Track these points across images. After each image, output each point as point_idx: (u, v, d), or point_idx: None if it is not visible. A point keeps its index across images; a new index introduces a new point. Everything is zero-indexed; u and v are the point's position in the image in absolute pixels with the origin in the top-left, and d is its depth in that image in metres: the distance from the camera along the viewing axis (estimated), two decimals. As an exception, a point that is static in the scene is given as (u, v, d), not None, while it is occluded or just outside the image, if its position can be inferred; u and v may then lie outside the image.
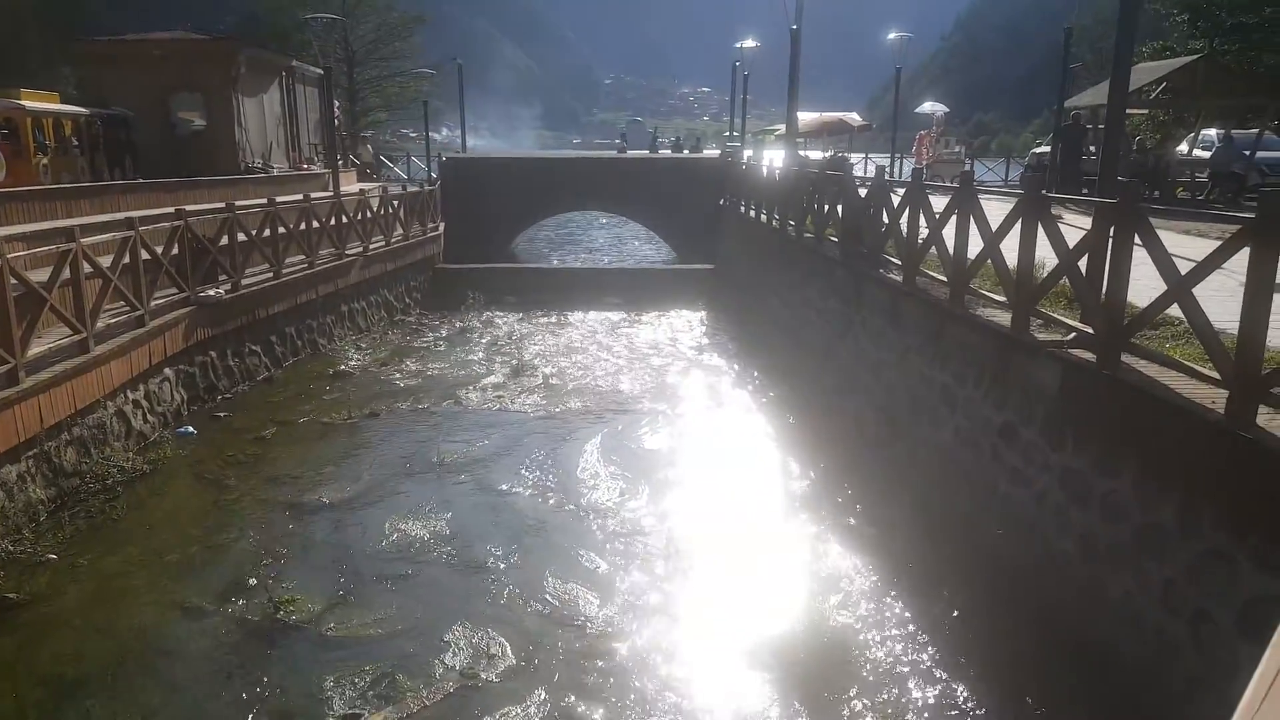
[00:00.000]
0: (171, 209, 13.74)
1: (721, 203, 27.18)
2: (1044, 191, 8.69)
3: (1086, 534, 7.03)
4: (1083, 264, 7.80)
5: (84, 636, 7.37)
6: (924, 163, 30.86)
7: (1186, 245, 9.67)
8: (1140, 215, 6.81)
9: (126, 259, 11.50)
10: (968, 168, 31.65)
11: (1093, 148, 21.01)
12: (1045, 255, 8.22)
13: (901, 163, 34.60)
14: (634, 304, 22.76)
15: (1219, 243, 6.15)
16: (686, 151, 36.48)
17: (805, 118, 29.70)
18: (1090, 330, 7.54)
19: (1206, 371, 6.10)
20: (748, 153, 31.38)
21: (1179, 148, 23.60)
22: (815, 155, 30.38)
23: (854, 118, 31.57)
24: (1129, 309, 7.25)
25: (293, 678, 6.83)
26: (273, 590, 8.06)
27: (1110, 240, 7.20)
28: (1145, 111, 24.15)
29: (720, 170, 28.86)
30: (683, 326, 21.05)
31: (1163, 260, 6.49)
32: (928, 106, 34.53)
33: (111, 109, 20.59)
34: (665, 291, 23.67)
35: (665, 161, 33.11)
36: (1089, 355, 7.44)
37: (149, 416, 12.02)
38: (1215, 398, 5.92)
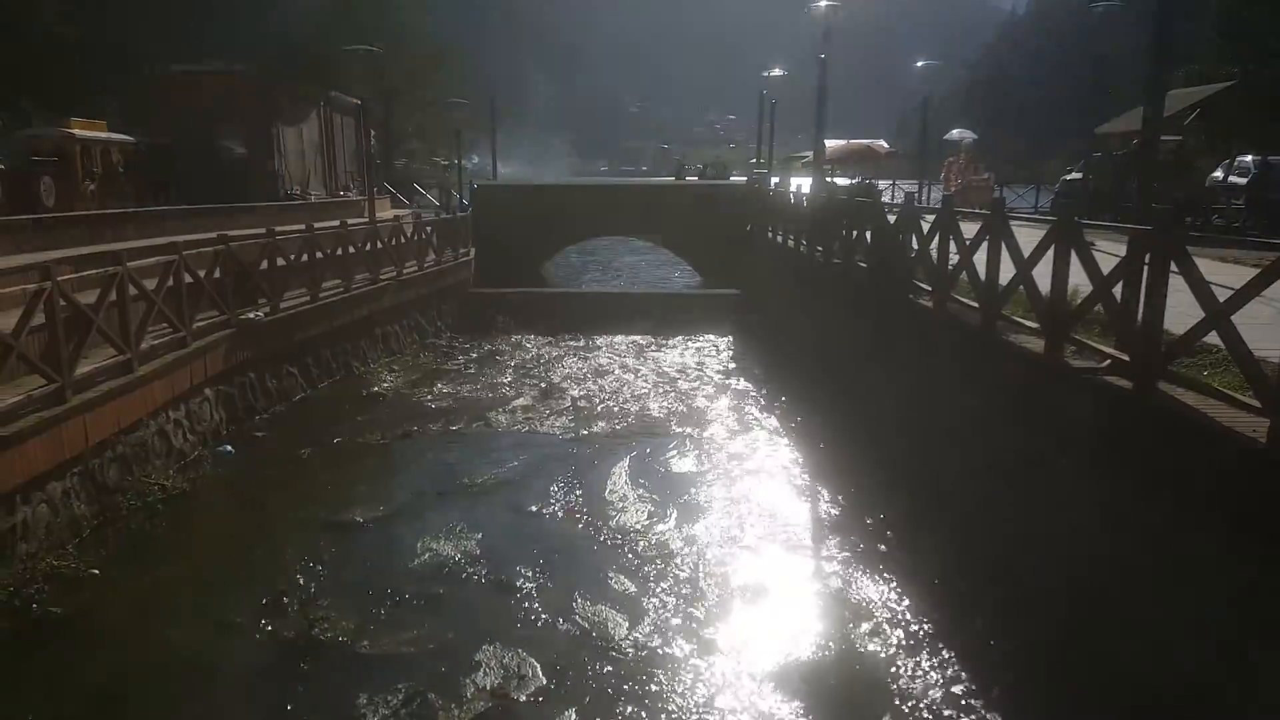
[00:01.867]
0: (214, 234, 14.09)
1: (749, 229, 27.30)
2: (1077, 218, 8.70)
3: (1124, 564, 6.96)
4: (1117, 291, 7.80)
5: (124, 652, 7.52)
6: (953, 189, 30.83)
7: (1223, 273, 9.60)
8: (1178, 242, 6.81)
9: (170, 282, 11.81)
10: (997, 194, 31.62)
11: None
12: (1077, 282, 8.22)
13: (930, 189, 34.55)
14: (661, 328, 22.87)
15: (1257, 270, 6.13)
16: (713, 178, 36.73)
17: (833, 145, 29.89)
18: (1126, 358, 7.51)
19: (1246, 400, 6.06)
20: (775, 179, 31.53)
21: (1213, 174, 23.41)
22: (843, 182, 30.48)
23: (881, 145, 31.69)
24: (1165, 336, 7.23)
25: (326, 695, 6.92)
26: (307, 608, 8.18)
27: (1146, 267, 7.20)
28: (1178, 138, 24.00)
29: (747, 196, 29.01)
30: (710, 351, 21.11)
31: (1200, 287, 6.48)
32: (956, 133, 34.57)
33: (157, 137, 21.18)
34: (692, 316, 23.77)
35: (692, 188, 33.41)
36: (1125, 383, 7.40)
37: (189, 435, 12.26)
38: (1256, 426, 5.86)
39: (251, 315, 14.12)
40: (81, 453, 9.47)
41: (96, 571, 8.74)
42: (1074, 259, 8.26)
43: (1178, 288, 6.72)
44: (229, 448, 12.66)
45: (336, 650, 7.58)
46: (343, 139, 27.71)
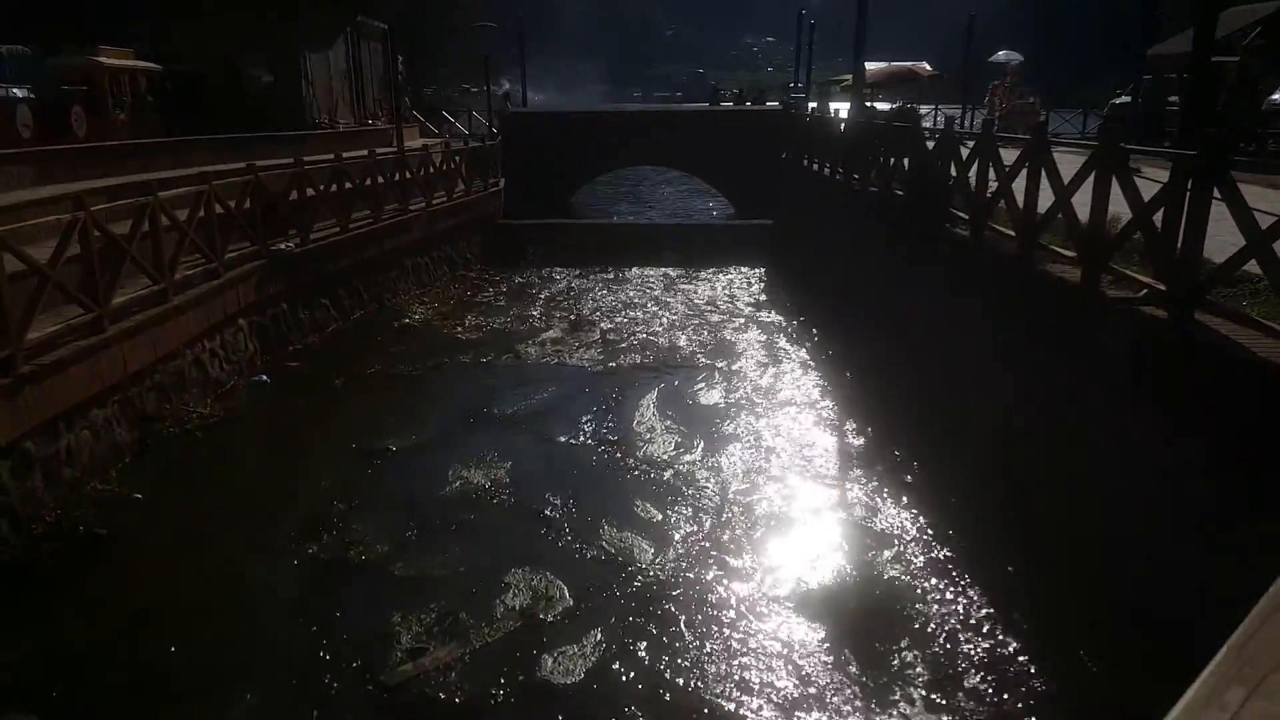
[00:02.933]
0: (242, 164, 14.10)
1: (783, 156, 26.73)
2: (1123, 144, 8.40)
3: (1152, 499, 6.90)
4: (1157, 219, 7.57)
5: (167, 572, 7.82)
6: (997, 114, 29.80)
7: (1274, 200, 9.26)
8: (1222, 167, 6.55)
9: (201, 213, 11.88)
10: (1043, 118, 30.54)
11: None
12: (1118, 210, 7.97)
13: (973, 114, 33.49)
14: (692, 260, 22.67)
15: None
16: (749, 104, 35.84)
17: (873, 68, 28.89)
18: (1163, 287, 7.32)
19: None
20: (812, 104, 30.72)
21: (1272, 96, 22.36)
22: (883, 107, 29.59)
23: (924, 67, 30.58)
24: (1207, 265, 7.02)
25: (362, 614, 7.15)
26: (343, 532, 8.42)
27: (1187, 193, 6.96)
28: (1238, 59, 22.85)
29: (781, 123, 28.33)
30: (741, 283, 20.94)
31: (1243, 213, 6.26)
32: (1001, 55, 33.23)
33: (181, 65, 21.04)
34: (724, 247, 23.51)
35: (725, 115, 32.71)
36: (1161, 313, 7.23)
37: (225, 365, 12.50)
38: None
39: (282, 246, 14.22)
40: (120, 380, 9.70)
41: (139, 496, 9.04)
42: (1114, 186, 8.02)
43: (1221, 216, 6.50)
44: (264, 378, 12.89)
45: (371, 572, 7.81)
46: (370, 66, 27.36)
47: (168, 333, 10.75)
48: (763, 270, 22.09)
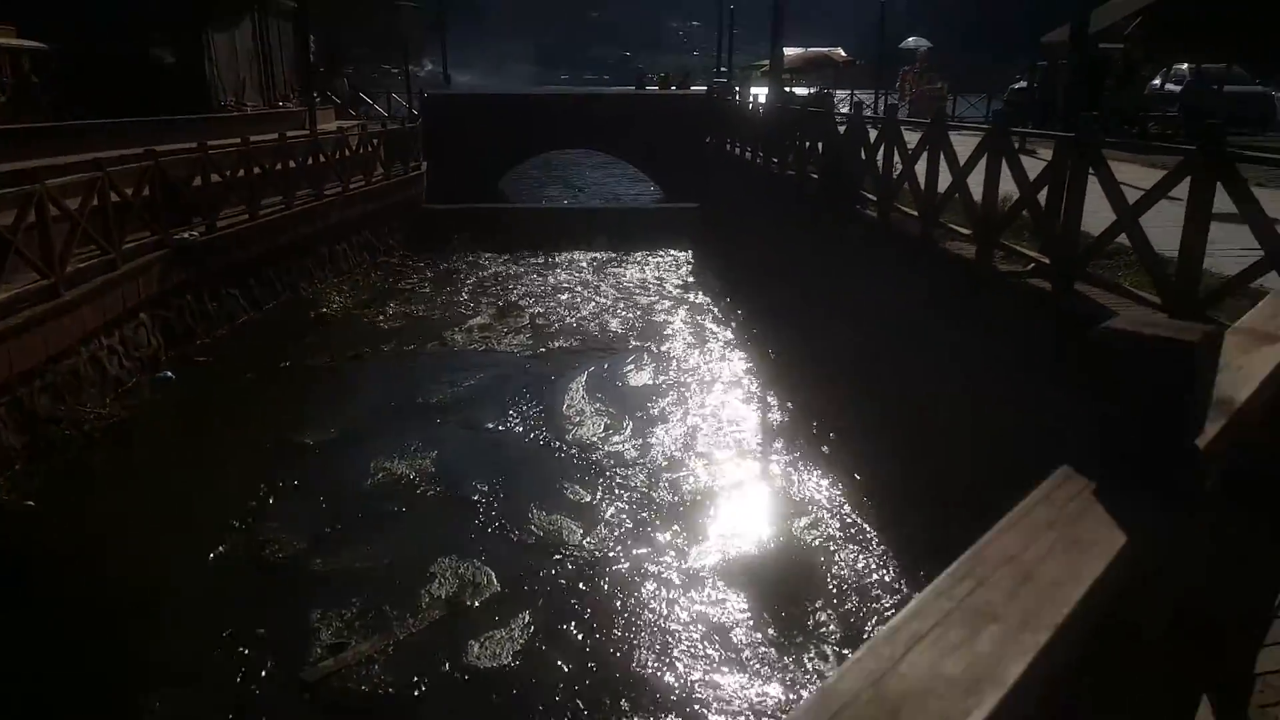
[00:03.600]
0: (141, 150, 13.44)
1: (708, 140, 26.79)
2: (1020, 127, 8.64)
3: (1044, 454, 7.10)
4: (1042, 198, 7.82)
5: (69, 583, 7.41)
6: (908, 99, 30.41)
7: (1153, 179, 9.66)
8: (1095, 148, 6.82)
9: (95, 202, 11.28)
10: (949, 103, 31.27)
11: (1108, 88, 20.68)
12: (1011, 190, 8.23)
13: (886, 98, 34.11)
14: (621, 244, 22.58)
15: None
16: (674, 88, 35.78)
17: (790, 53, 29.12)
18: (1047, 261, 7.59)
19: (1150, 297, 6.22)
20: (736, 89, 30.83)
21: (1152, 82, 23.34)
22: (802, 92, 29.89)
23: (839, 53, 30.97)
24: (1086, 239, 7.30)
25: (280, 614, 6.92)
26: (257, 531, 8.12)
27: (1067, 173, 7.22)
28: (1121, 46, 23.78)
29: (707, 107, 28.37)
30: (669, 265, 20.95)
31: (1113, 192, 6.55)
32: (911, 42, 33.87)
33: (75, 45, 19.90)
34: (652, 231, 23.46)
35: (651, 99, 32.55)
36: (1046, 285, 7.50)
37: (125, 362, 11.91)
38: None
39: (186, 235, 13.61)
40: (7, 381, 9.15)
41: (31, 503, 8.54)
42: (1005, 167, 8.26)
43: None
44: (169, 374, 12.33)
45: (289, 570, 7.56)
46: (281, 46, 26.39)
47: (59, 330, 10.17)
48: (690, 253, 22.12)
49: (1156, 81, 23.36)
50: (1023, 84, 26.48)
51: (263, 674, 6.13)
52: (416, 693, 6.00)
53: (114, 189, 11.72)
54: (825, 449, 9.90)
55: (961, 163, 9.02)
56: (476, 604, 7.03)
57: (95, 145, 15.28)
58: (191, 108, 20.91)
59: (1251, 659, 2.25)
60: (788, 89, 28.54)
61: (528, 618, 6.80)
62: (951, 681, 0.68)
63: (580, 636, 6.63)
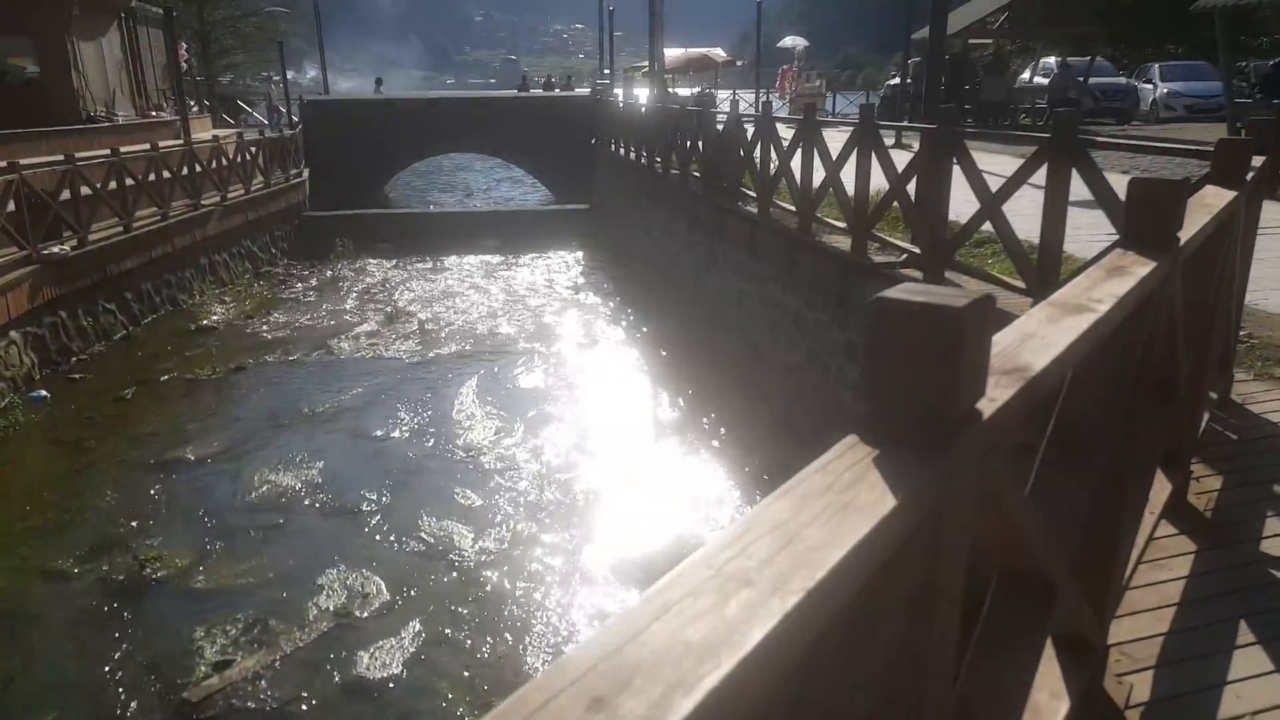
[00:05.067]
0: (2, 163, 12.84)
1: (594, 142, 27.12)
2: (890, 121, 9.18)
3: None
4: (912, 189, 8.37)
5: (-68, 609, 7.16)
6: (787, 97, 31.45)
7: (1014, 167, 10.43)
8: (956, 139, 7.34)
9: (-49, 218, 10.77)
10: (827, 101, 32.50)
11: (978, 82, 21.86)
12: (883, 184, 8.73)
13: (767, 98, 35.14)
14: (511, 246, 22.65)
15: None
16: (558, 90, 35.98)
17: (671, 54, 29.78)
18: (918, 250, 8.12)
19: (1014, 283, 6.70)
20: (618, 91, 31.25)
21: (1022, 75, 24.87)
22: (685, 92, 30.52)
23: (719, 53, 31.80)
24: (953, 228, 7.84)
25: (161, 632, 6.85)
26: (136, 549, 7.98)
27: (930, 164, 7.75)
28: (990, 41, 25.27)
29: (591, 109, 28.71)
30: (560, 267, 21.15)
31: (976, 181, 7.05)
32: (788, 41, 35.07)
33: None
34: (542, 233, 23.61)
35: (537, 101, 32.65)
36: (918, 274, 8.01)
37: (-6, 383, 11.42)
38: (1022, 307, 6.51)
39: (56, 249, 13.07)
40: None
41: (-107, 531, 8.19)
42: (875, 161, 8.79)
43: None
44: (43, 393, 11.86)
45: (170, 587, 7.47)
46: (151, 54, 25.37)
47: (-83, 352, 9.72)
48: (580, 254, 22.37)
49: (1025, 75, 24.90)
50: (896, 80, 27.72)
51: (143, 695, 6.09)
52: (305, 706, 6.07)
53: (-31, 204, 11.21)
54: (715, 443, 10.31)
55: (835, 158, 9.56)
56: (365, 614, 7.11)
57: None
58: (60, 119, 19.95)
59: (1098, 626, 2.39)
60: (671, 89, 29.14)
61: (418, 625, 6.93)
62: (690, 647, 0.68)
63: (471, 641, 6.79)
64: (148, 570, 7.64)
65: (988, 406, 1.24)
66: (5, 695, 6.12)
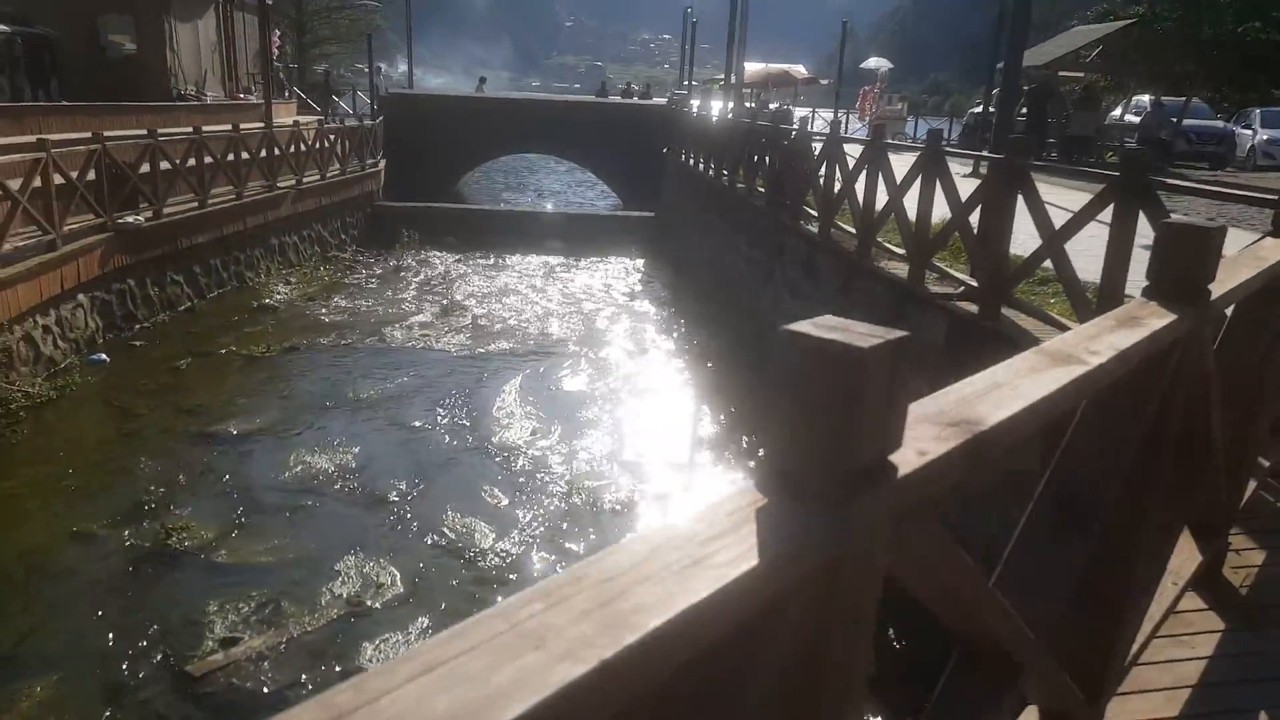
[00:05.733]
0: (88, 133, 13.35)
1: (665, 151, 27.09)
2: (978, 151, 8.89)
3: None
4: (975, 220, 8.06)
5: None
6: (867, 118, 30.97)
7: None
8: (1022, 171, 7.04)
9: (38, 182, 11.21)
10: (909, 125, 31.96)
11: (1065, 115, 21.18)
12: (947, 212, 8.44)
13: (848, 118, 34.67)
14: (573, 249, 22.70)
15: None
16: (635, 98, 36.10)
17: (751, 69, 29.60)
18: (975, 284, 7.81)
19: (1070, 324, 6.37)
20: (695, 102, 31.19)
21: (1113, 113, 24.02)
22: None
23: (800, 70, 31.52)
24: (1015, 262, 7.52)
25: (176, 602, 6.93)
26: (166, 517, 8.11)
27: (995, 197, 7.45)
28: (1081, 75, 24.47)
29: (666, 119, 28.69)
30: (618, 273, 21.10)
31: (1039, 215, 6.75)
32: (873, 62, 34.55)
33: (35, 28, 19.73)
34: (605, 238, 23.62)
35: (612, 107, 32.76)
36: (973, 308, 7.70)
37: (60, 343, 11.82)
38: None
39: (131, 219, 13.52)
40: (-70, 357, 9.07)
41: (-54, 477, 8.49)
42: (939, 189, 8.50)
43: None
44: (103, 356, 12.25)
45: (192, 558, 7.56)
46: (245, 39, 26.24)
47: (-10, 307, 10.11)
48: (641, 261, 22.29)
49: (1117, 112, 24.04)
50: (980, 109, 27.06)
51: (146, 663, 6.14)
52: (303, 692, 6.05)
53: (57, 169, 11.65)
54: (752, 463, 10.08)
55: (899, 183, 9.30)
56: (377, 604, 7.09)
57: (53, 127, 15.19)
58: (152, 95, 20.76)
59: (1086, 705, 2.18)
60: (748, 104, 28.96)
61: (426, 621, 6.88)
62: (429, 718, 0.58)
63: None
64: (173, 539, 7.76)
65: (910, 460, 1.09)
66: (19, 649, 6.25)
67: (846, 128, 31.10)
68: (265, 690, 5.96)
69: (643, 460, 10.28)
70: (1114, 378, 1.65)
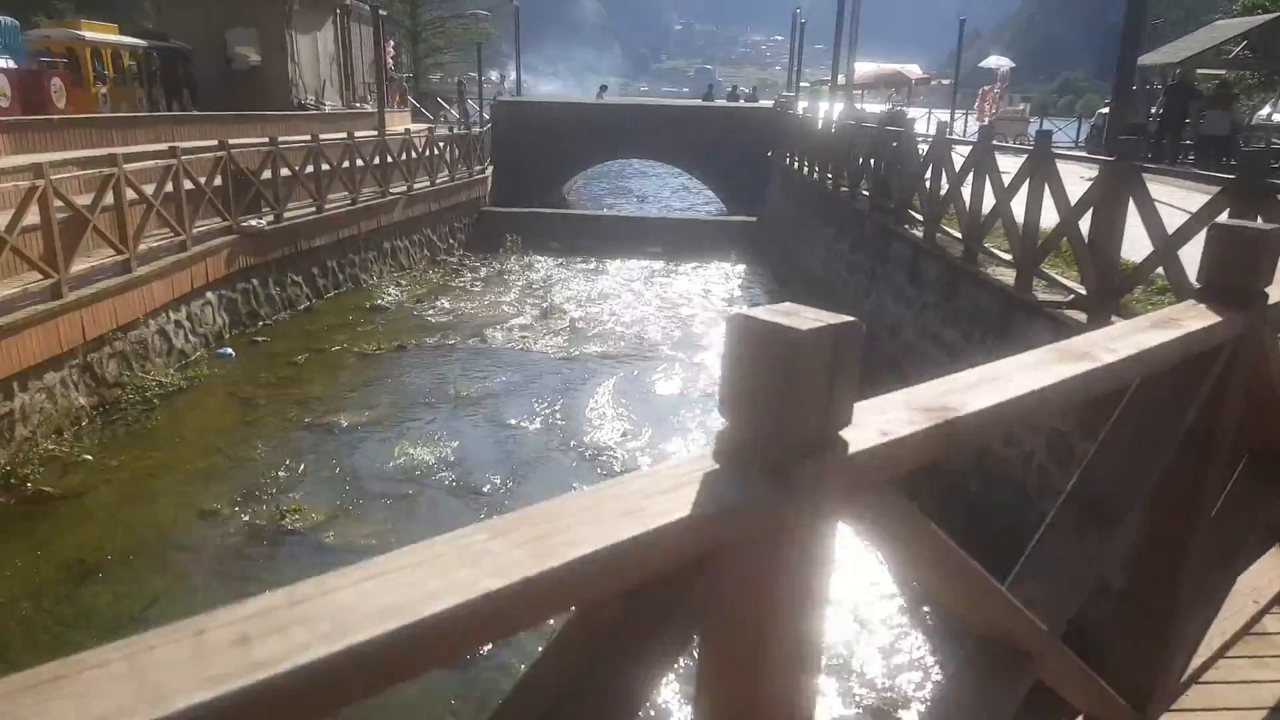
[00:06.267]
0: (214, 141, 14.28)
1: (769, 155, 26.93)
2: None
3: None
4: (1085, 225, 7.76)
5: (107, 529, 8.03)
6: (985, 119, 29.98)
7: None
8: (1133, 173, 6.76)
9: (169, 187, 12.06)
10: (1033, 126, 30.71)
11: (1203, 114, 20.04)
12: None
13: (966, 119, 33.66)
14: (674, 254, 22.83)
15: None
16: (741, 101, 35.99)
17: (863, 69, 29.08)
18: (1084, 291, 7.52)
19: None
20: (803, 104, 30.87)
21: (1262, 111, 22.51)
22: (872, 109, 29.73)
23: (914, 70, 30.73)
24: (1127, 268, 7.22)
25: (286, 577, 7.13)
26: (281, 500, 8.63)
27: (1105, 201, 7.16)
28: (1222, 72, 22.98)
29: (771, 122, 28.52)
30: (719, 278, 21.11)
31: (1151, 221, 6.47)
32: (992, 61, 33.40)
33: (170, 42, 21.22)
34: (707, 243, 23.66)
35: (717, 111, 32.77)
36: (1081, 316, 7.42)
37: (190, 337, 12.69)
38: None
39: (254, 223, 14.39)
40: (78, 346, 9.88)
41: (90, 457, 9.24)
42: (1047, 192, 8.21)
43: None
44: (229, 350, 13.09)
45: (302, 538, 8.03)
46: (361, 49, 27.53)
47: (130, 302, 10.92)
48: (743, 267, 22.24)
49: (1265, 111, 22.48)
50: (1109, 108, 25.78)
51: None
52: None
53: (187, 175, 12.51)
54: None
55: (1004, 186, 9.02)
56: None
57: (184, 135, 16.35)
58: (274, 104, 22.04)
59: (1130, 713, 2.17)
60: (858, 105, 28.48)
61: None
62: (372, 611, 0.66)
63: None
64: (287, 520, 8.24)
65: (869, 439, 1.13)
66: (148, 611, 6.77)
67: (964, 130, 30.21)
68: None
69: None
70: (1124, 378, 1.66)
